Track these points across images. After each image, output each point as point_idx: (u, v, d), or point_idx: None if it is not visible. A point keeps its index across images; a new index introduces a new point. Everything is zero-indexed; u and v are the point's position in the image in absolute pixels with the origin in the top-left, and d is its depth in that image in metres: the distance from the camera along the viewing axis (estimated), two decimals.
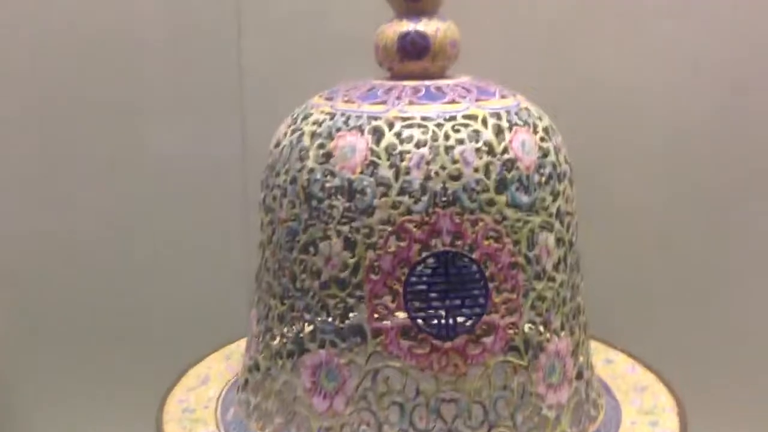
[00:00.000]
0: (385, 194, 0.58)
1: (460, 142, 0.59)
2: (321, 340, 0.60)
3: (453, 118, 0.60)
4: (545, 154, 0.62)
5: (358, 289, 0.59)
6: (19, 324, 1.01)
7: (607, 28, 0.92)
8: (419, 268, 0.58)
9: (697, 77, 0.93)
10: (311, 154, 0.61)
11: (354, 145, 0.59)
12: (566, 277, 0.63)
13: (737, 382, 1.00)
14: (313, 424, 0.60)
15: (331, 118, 0.61)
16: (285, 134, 0.64)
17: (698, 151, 0.95)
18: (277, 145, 0.64)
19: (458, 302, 0.59)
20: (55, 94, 0.94)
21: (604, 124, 0.94)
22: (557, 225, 0.62)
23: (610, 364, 0.74)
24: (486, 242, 0.59)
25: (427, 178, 0.58)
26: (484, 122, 0.60)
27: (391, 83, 0.64)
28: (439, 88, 0.62)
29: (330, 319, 0.60)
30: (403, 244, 0.58)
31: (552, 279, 0.61)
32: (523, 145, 0.60)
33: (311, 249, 0.60)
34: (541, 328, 0.61)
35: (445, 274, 0.59)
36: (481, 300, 0.59)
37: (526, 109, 0.63)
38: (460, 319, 0.59)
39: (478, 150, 0.59)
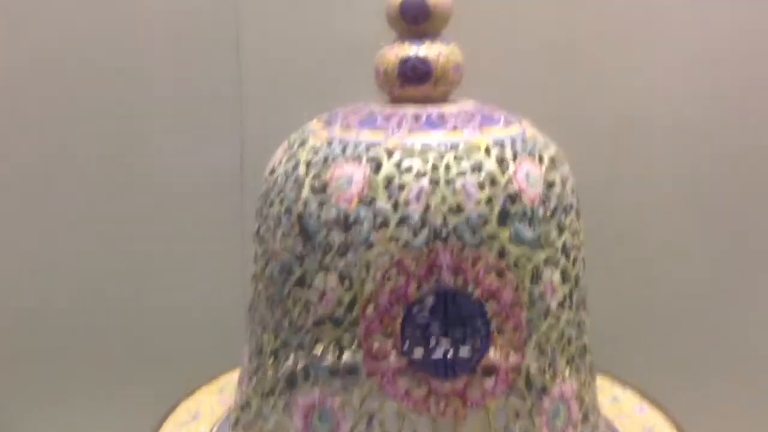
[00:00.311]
0: (382, 227, 0.55)
1: (462, 173, 0.56)
2: (314, 379, 0.58)
3: (455, 147, 0.57)
4: (551, 185, 0.59)
5: (353, 327, 0.56)
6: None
7: (615, 51, 0.90)
8: (417, 305, 0.55)
9: (709, 103, 0.90)
10: (306, 183, 0.58)
11: (351, 176, 0.57)
12: (572, 315, 0.60)
13: (747, 416, 0.97)
14: None
15: (328, 146, 0.59)
16: (280, 161, 0.61)
17: (709, 180, 0.92)
18: (272, 172, 0.62)
19: (458, 342, 0.56)
20: (54, 99, 0.92)
21: (610, 150, 0.91)
22: (563, 260, 0.59)
23: (617, 403, 0.71)
24: (488, 279, 0.56)
25: (427, 210, 0.55)
26: (487, 152, 0.57)
27: (392, 109, 0.61)
28: (441, 115, 0.60)
29: (324, 358, 0.58)
30: (400, 280, 0.55)
31: (557, 317, 0.58)
32: (527, 176, 0.58)
33: (305, 283, 0.58)
34: (545, 370, 0.59)
35: (444, 312, 0.56)
36: (483, 340, 0.56)
37: (532, 137, 0.60)
38: (460, 360, 0.56)
39: (480, 182, 0.56)
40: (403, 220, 0.55)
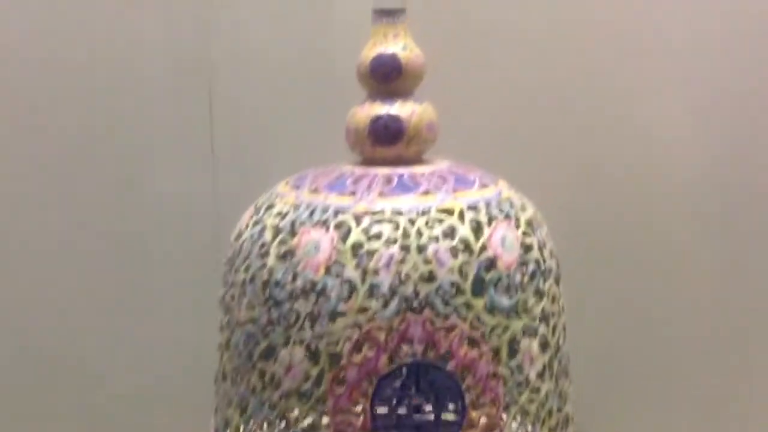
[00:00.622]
0: (350, 297, 0.53)
1: (434, 239, 0.53)
2: None
3: (427, 212, 0.54)
4: (528, 249, 0.56)
5: (321, 403, 0.53)
6: None
7: (597, 105, 0.87)
8: (388, 380, 0.53)
9: (692, 165, 0.88)
10: (272, 250, 0.55)
11: (318, 242, 0.54)
12: (552, 385, 0.57)
13: None
14: None
15: (295, 211, 0.56)
16: (247, 226, 0.59)
17: (696, 241, 0.89)
18: (238, 237, 0.59)
19: (431, 418, 0.53)
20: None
21: (591, 204, 0.89)
22: (542, 328, 0.56)
23: None
24: (462, 351, 0.53)
25: (397, 279, 0.52)
26: (461, 216, 0.55)
27: (362, 170, 0.58)
28: (413, 177, 0.57)
29: None
30: (370, 353, 0.53)
31: (536, 390, 0.56)
32: (503, 241, 0.55)
33: (271, 356, 0.55)
34: None
35: (416, 387, 0.53)
36: (457, 416, 0.53)
37: (508, 199, 0.58)
38: None
39: (453, 248, 0.53)
40: (372, 290, 0.53)
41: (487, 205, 0.56)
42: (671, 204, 0.89)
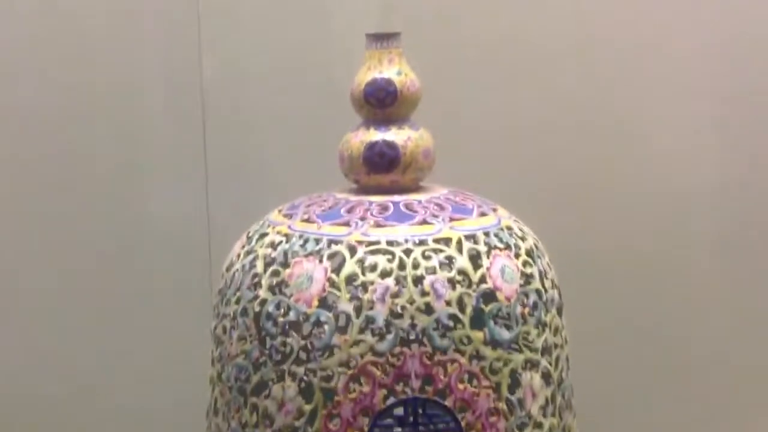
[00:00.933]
0: (344, 331, 0.51)
1: (431, 271, 0.52)
2: None
3: (423, 242, 0.53)
4: (529, 280, 0.55)
5: None
6: None
7: (598, 128, 0.86)
8: (384, 417, 0.51)
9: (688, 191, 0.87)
10: (264, 282, 0.54)
11: (311, 274, 0.52)
12: (556, 420, 0.55)
13: None
14: None
15: (287, 241, 0.54)
16: (238, 256, 0.57)
17: (705, 267, 0.88)
18: (229, 267, 0.57)
19: None
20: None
21: (594, 236, 0.87)
22: (544, 361, 0.54)
23: None
24: (461, 386, 0.51)
25: (393, 313, 0.51)
26: (459, 247, 0.53)
27: (357, 199, 0.57)
28: (409, 206, 0.56)
29: None
30: (365, 389, 0.51)
31: (539, 425, 0.54)
32: (503, 272, 0.53)
33: (263, 391, 0.53)
34: None
35: (414, 424, 0.51)
36: None
37: (507, 228, 0.56)
38: None
39: (451, 279, 0.52)
40: (367, 323, 0.51)
41: (486, 234, 0.54)
42: (679, 230, 0.87)
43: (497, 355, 0.52)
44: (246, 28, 0.86)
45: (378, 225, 0.54)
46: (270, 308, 0.53)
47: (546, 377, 0.54)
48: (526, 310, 0.54)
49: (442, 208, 0.56)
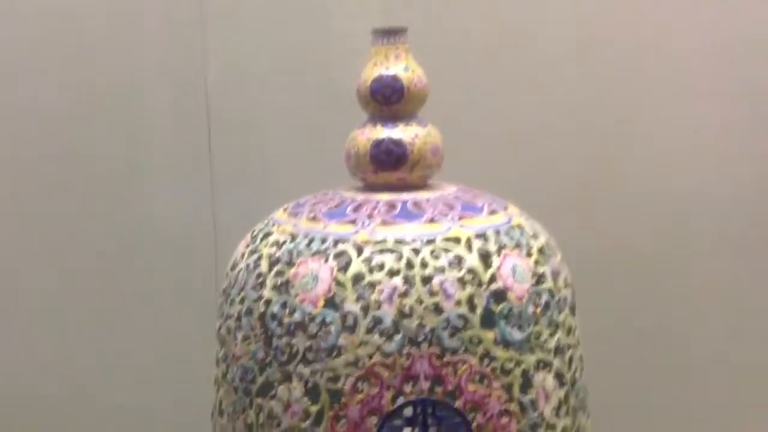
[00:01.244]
0: (351, 332, 0.50)
1: (440, 270, 0.50)
2: None
3: (432, 241, 0.51)
4: (541, 279, 0.53)
5: None
6: None
7: (609, 125, 0.84)
8: (392, 418, 0.50)
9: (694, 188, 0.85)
10: (269, 282, 0.52)
11: (316, 274, 0.51)
12: (569, 421, 0.54)
13: None
14: None
15: (292, 240, 0.53)
16: (243, 255, 0.56)
17: (717, 266, 0.86)
18: (234, 267, 0.56)
19: None
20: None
21: (607, 234, 0.85)
22: (556, 362, 0.53)
23: None
24: (471, 387, 0.50)
25: (401, 313, 0.49)
26: (468, 245, 0.52)
27: (363, 197, 0.56)
28: (417, 204, 0.54)
29: None
30: (373, 390, 0.49)
31: (552, 427, 0.52)
32: (514, 271, 0.52)
33: (268, 393, 0.52)
34: None
35: (423, 426, 0.50)
36: None
37: (519, 226, 0.55)
38: None
39: (460, 279, 0.50)
40: (374, 324, 0.49)
41: (497, 233, 0.53)
42: (679, 230, 0.86)
43: (509, 355, 0.51)
44: (250, 29, 0.85)
45: (385, 223, 0.53)
46: (275, 308, 0.52)
47: (559, 378, 0.53)
48: (538, 310, 0.52)
49: (451, 206, 0.54)
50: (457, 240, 0.52)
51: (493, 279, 0.51)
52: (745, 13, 0.83)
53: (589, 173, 0.85)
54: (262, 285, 0.53)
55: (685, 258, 0.86)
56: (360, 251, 0.51)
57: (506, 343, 0.51)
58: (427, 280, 0.50)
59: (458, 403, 0.50)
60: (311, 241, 0.53)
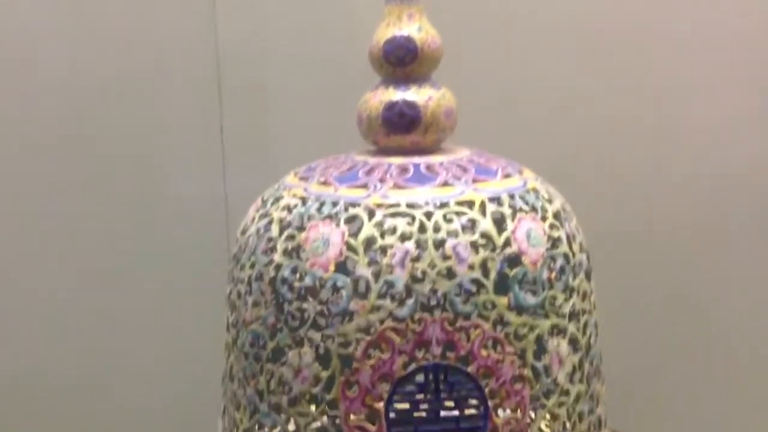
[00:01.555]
0: (363, 297, 0.49)
1: (453, 234, 0.49)
2: None
3: (445, 204, 0.51)
4: (556, 243, 0.52)
5: (332, 408, 0.50)
6: None
7: (627, 90, 0.83)
8: (404, 384, 0.49)
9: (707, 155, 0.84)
10: (279, 246, 0.52)
11: (327, 238, 0.50)
12: (583, 387, 0.53)
13: None
14: None
15: (303, 204, 0.53)
16: (253, 220, 0.55)
17: (734, 230, 0.85)
18: (244, 232, 0.56)
19: (452, 425, 0.50)
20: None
21: (617, 200, 0.84)
22: (571, 327, 0.52)
23: None
24: (484, 353, 0.49)
25: (413, 277, 0.49)
26: (482, 209, 0.51)
27: (375, 160, 0.55)
28: (430, 167, 0.53)
29: None
30: (384, 355, 0.49)
31: (566, 392, 0.52)
32: (528, 235, 0.51)
33: (279, 358, 0.51)
34: None
35: (435, 392, 0.50)
36: (480, 422, 0.50)
37: (534, 190, 0.54)
38: None
39: (474, 243, 0.49)
40: (386, 288, 0.49)
41: (511, 196, 0.52)
42: (709, 192, 0.85)
43: (522, 320, 0.50)
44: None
45: (397, 187, 0.52)
46: (285, 273, 0.51)
47: (573, 343, 0.52)
48: (553, 274, 0.52)
49: (464, 169, 0.53)
50: (470, 203, 0.51)
51: (507, 243, 0.50)
52: None
53: (610, 138, 0.83)
54: (272, 249, 0.52)
55: (719, 233, 0.85)
56: (372, 215, 0.50)
57: (520, 309, 0.50)
58: (439, 244, 0.49)
59: (471, 369, 0.49)
60: (322, 204, 0.52)
